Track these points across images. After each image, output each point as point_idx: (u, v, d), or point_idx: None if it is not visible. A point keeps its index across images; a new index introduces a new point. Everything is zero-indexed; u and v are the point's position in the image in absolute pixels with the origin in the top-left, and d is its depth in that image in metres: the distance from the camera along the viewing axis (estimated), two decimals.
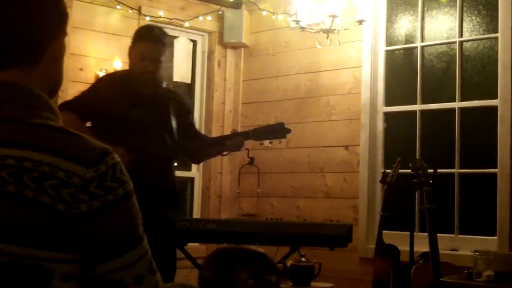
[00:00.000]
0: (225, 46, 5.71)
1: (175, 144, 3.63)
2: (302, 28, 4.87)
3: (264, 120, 5.25)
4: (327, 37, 4.82)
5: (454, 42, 4.78)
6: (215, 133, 5.48)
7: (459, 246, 4.54)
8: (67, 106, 3.45)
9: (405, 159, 4.33)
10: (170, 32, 5.41)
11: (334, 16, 4.71)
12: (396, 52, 5.08)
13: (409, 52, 5.02)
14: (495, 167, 4.40)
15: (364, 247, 4.84)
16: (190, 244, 4.45)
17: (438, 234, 3.96)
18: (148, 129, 3.52)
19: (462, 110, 4.69)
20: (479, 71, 4.70)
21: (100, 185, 1.16)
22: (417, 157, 4.69)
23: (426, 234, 3.97)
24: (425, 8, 4.94)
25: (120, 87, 3.56)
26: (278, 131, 3.64)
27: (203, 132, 5.55)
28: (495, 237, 4.36)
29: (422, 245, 4.13)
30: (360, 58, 5.06)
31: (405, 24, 5.05)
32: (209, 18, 5.55)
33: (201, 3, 5.52)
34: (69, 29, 1.32)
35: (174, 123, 3.62)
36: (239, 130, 5.27)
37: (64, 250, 1.14)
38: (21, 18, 1.22)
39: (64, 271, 1.14)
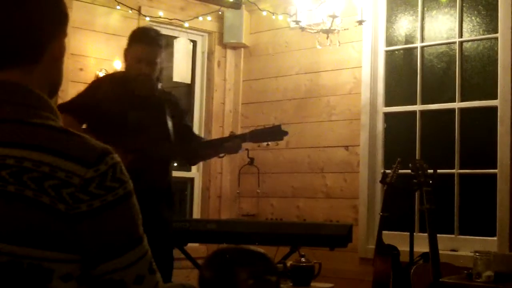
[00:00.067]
0: (225, 46, 5.71)
1: (172, 146, 3.63)
2: (302, 28, 4.87)
3: (264, 120, 5.27)
4: (327, 37, 4.82)
5: (454, 43, 4.78)
6: (215, 134, 5.49)
7: (459, 247, 4.54)
8: (64, 108, 3.44)
9: (405, 159, 4.34)
10: (170, 32, 5.43)
11: (334, 16, 4.71)
12: (396, 52, 5.08)
13: (409, 53, 5.02)
14: (495, 168, 4.40)
15: (364, 247, 4.84)
16: (190, 245, 4.46)
17: (438, 235, 3.96)
18: (145, 130, 3.53)
19: (462, 110, 4.69)
20: (479, 72, 4.70)
21: (100, 185, 1.16)
22: (417, 158, 4.68)
23: (426, 234, 3.97)
24: (425, 9, 4.94)
25: (119, 88, 3.57)
26: (275, 133, 3.64)
27: (203, 132, 5.57)
28: (495, 238, 4.36)
29: (422, 246, 4.13)
30: (360, 59, 5.06)
31: (405, 24, 5.05)
32: (209, 18, 5.55)
33: (201, 3, 5.52)
34: (69, 29, 1.32)
35: (170, 124, 3.63)
36: (239, 130, 5.28)
37: (64, 250, 1.14)
38: (21, 18, 1.22)
39: (64, 271, 1.14)
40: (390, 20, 5.09)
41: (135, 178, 1.24)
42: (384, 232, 4.24)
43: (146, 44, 3.52)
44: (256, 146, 5.19)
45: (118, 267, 1.17)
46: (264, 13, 5.48)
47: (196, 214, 5.57)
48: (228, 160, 5.61)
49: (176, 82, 5.44)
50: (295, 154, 5.34)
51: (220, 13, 5.59)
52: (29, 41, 1.24)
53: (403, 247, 4.22)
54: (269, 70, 5.58)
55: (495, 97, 4.46)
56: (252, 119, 5.59)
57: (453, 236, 4.60)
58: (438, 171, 4.19)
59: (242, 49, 5.74)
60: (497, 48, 4.49)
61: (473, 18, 4.73)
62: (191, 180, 5.62)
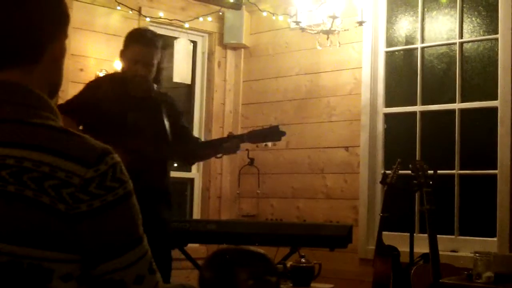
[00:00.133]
0: (225, 47, 5.71)
1: (169, 146, 3.64)
2: (302, 29, 4.87)
3: (264, 121, 5.27)
4: (327, 38, 4.82)
5: (454, 43, 4.78)
6: (215, 134, 5.49)
7: (459, 247, 4.54)
8: (61, 109, 3.44)
9: (405, 160, 4.33)
10: (170, 33, 5.43)
11: (334, 17, 4.71)
12: (396, 53, 5.08)
13: (409, 53, 5.02)
14: (495, 168, 4.40)
15: (364, 248, 4.84)
16: (190, 245, 4.46)
17: (438, 235, 3.96)
18: (142, 131, 3.53)
19: (462, 111, 4.69)
20: (479, 72, 4.70)
21: (100, 185, 1.16)
22: (417, 158, 4.68)
23: (426, 235, 3.96)
24: (425, 9, 4.94)
25: (116, 89, 3.57)
26: (273, 134, 3.66)
27: (203, 133, 5.57)
28: (495, 239, 4.36)
29: (422, 246, 4.13)
30: (360, 59, 5.06)
31: (405, 25, 5.05)
32: (209, 19, 5.55)
33: (201, 4, 5.52)
34: (69, 29, 1.32)
35: (167, 125, 3.64)
36: (240, 131, 5.28)
37: (64, 250, 1.14)
38: (22, 18, 1.22)
39: (64, 271, 1.14)
40: (390, 20, 5.09)
41: (133, 179, 1.24)
42: (384, 232, 4.24)
43: (143, 45, 3.53)
44: (256, 147, 5.18)
45: (118, 267, 1.17)
46: (265, 13, 5.48)
47: (196, 214, 5.57)
48: (228, 160, 5.61)
49: (176, 83, 5.44)
50: (295, 154, 5.34)
51: (220, 13, 5.59)
52: (29, 41, 1.24)
53: (403, 248, 4.22)
54: (269, 71, 5.58)
55: (495, 98, 4.46)
56: (252, 119, 5.59)
57: (453, 237, 4.60)
58: (438, 171, 4.19)
59: (242, 49, 5.74)
60: (498, 49, 4.49)
61: (473, 19, 4.73)
62: (191, 180, 5.62)
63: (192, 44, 5.54)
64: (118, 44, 3.71)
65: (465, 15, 4.76)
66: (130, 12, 5.07)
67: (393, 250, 4.19)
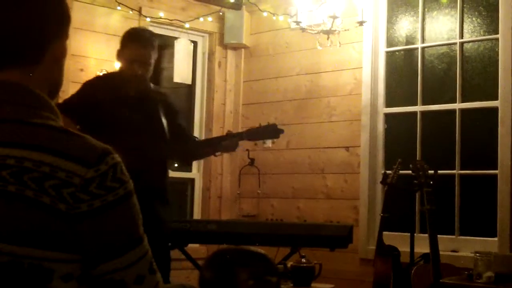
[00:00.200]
0: (225, 47, 5.71)
1: (169, 145, 3.64)
2: (303, 29, 4.87)
3: (265, 121, 5.25)
4: (328, 38, 4.82)
5: (455, 43, 4.78)
6: (215, 134, 5.48)
7: (460, 247, 4.54)
8: (58, 108, 3.43)
9: (405, 160, 4.33)
10: (171, 33, 5.43)
11: (334, 17, 4.71)
12: (397, 53, 5.08)
13: (410, 53, 5.02)
14: (496, 169, 4.40)
15: (364, 248, 4.84)
16: (190, 245, 4.46)
17: (438, 235, 3.96)
18: (140, 130, 3.54)
19: (463, 111, 4.69)
20: (479, 72, 4.69)
21: (100, 185, 1.16)
22: (417, 158, 4.68)
23: (427, 235, 3.96)
24: (426, 9, 4.94)
25: (113, 89, 3.57)
26: (271, 131, 3.69)
27: (203, 133, 5.57)
28: (495, 238, 4.36)
29: (422, 246, 4.13)
30: (361, 59, 5.06)
31: (406, 25, 5.05)
32: (209, 19, 5.55)
33: (202, 4, 5.52)
34: (69, 30, 1.32)
35: (165, 124, 3.64)
36: (240, 131, 5.27)
37: (65, 250, 1.14)
38: (22, 18, 1.22)
39: (64, 271, 1.14)
40: (391, 20, 5.08)
41: (133, 178, 1.25)
42: (384, 232, 4.24)
43: (140, 45, 3.53)
44: (256, 147, 5.18)
45: (118, 267, 1.17)
46: (265, 13, 5.48)
47: (197, 214, 5.57)
48: (229, 160, 5.61)
49: (177, 83, 5.44)
50: (296, 155, 5.34)
51: (220, 13, 5.59)
52: (30, 41, 1.24)
53: (404, 248, 4.22)
54: (269, 71, 5.58)
55: (496, 98, 4.46)
56: (252, 119, 5.58)
57: (453, 236, 4.60)
58: (439, 171, 4.19)
59: (243, 49, 5.74)
60: (498, 49, 4.49)
61: (473, 19, 4.73)
62: (192, 180, 5.62)
63: (192, 44, 5.54)
64: (118, 45, 3.71)
65: (465, 15, 4.76)
66: (131, 12, 5.07)
67: (394, 250, 4.19)
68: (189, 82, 5.54)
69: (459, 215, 4.62)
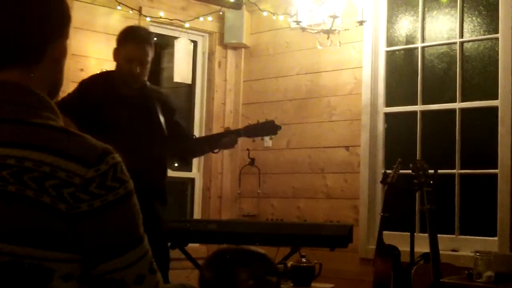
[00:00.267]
0: (225, 46, 5.71)
1: (168, 143, 3.64)
2: (303, 29, 4.87)
3: None
4: (328, 38, 4.82)
5: (455, 43, 4.78)
6: None
7: (460, 247, 4.54)
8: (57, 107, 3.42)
9: (405, 159, 4.33)
10: (171, 32, 5.43)
11: (334, 17, 4.71)
12: (397, 52, 5.08)
13: (410, 53, 5.02)
14: (496, 168, 4.40)
15: (364, 247, 4.84)
16: (190, 245, 4.46)
17: (438, 235, 3.96)
18: (138, 129, 3.53)
19: (463, 110, 4.69)
20: (479, 72, 4.69)
21: (100, 185, 1.16)
22: (417, 158, 4.69)
23: (427, 234, 3.96)
24: (426, 9, 4.94)
25: (110, 87, 3.57)
26: (269, 128, 3.72)
27: (203, 133, 5.56)
28: (495, 238, 4.36)
29: (422, 246, 4.13)
30: (361, 59, 5.06)
31: (406, 24, 5.05)
32: (209, 18, 5.55)
33: (202, 3, 5.52)
34: (70, 29, 1.32)
35: (163, 122, 3.64)
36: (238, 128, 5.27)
37: (65, 250, 1.14)
38: (22, 18, 1.22)
39: (64, 271, 1.14)
40: (391, 20, 5.08)
41: (133, 178, 1.25)
42: (384, 232, 4.24)
43: (137, 44, 3.52)
44: (256, 147, 5.18)
45: (118, 266, 1.17)
46: (265, 13, 5.48)
47: (197, 214, 5.57)
48: (229, 160, 5.61)
49: (177, 83, 5.44)
50: (296, 154, 5.34)
51: (220, 13, 5.59)
52: (30, 41, 1.24)
53: (404, 248, 4.22)
54: (269, 71, 5.58)
55: (496, 98, 4.46)
56: (252, 119, 5.54)
57: (453, 236, 4.60)
58: (439, 171, 4.19)
59: (243, 49, 5.74)
60: (498, 49, 4.49)
61: (473, 18, 4.73)
62: (192, 180, 5.62)
63: (192, 44, 5.54)
64: (115, 43, 3.71)
65: (465, 15, 4.76)
66: (131, 12, 5.07)
67: (394, 249, 4.19)
68: (189, 81, 5.54)
69: (459, 214, 4.62)
